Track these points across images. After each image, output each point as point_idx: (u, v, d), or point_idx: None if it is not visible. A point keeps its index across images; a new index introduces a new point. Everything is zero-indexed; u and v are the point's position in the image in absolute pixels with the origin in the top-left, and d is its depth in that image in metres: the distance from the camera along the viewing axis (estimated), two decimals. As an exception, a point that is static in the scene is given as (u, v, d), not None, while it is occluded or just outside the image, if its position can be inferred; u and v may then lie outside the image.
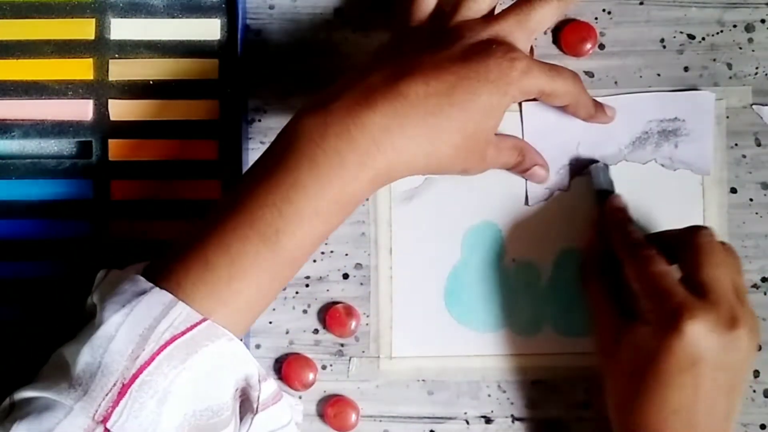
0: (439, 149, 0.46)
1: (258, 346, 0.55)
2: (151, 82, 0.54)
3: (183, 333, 0.42)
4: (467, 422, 0.55)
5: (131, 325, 0.42)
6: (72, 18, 0.54)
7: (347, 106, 0.45)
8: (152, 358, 0.41)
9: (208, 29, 0.54)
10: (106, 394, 0.41)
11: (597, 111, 0.53)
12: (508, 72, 0.47)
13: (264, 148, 0.54)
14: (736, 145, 0.55)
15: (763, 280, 0.55)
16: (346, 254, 0.55)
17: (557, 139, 0.54)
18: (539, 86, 0.48)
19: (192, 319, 0.42)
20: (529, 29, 0.49)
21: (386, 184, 0.47)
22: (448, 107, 0.45)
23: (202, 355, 0.42)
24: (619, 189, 0.54)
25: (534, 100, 0.51)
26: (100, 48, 0.54)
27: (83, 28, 0.54)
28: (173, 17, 0.54)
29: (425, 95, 0.45)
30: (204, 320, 0.43)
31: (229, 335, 0.43)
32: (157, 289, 0.43)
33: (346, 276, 0.55)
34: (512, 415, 0.55)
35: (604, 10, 0.55)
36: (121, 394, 0.41)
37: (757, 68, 0.55)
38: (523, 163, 0.53)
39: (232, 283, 0.43)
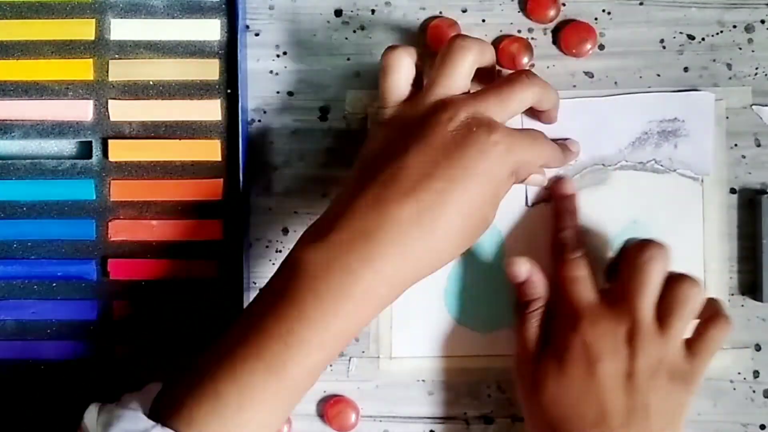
0: (441, 254, 0.46)
1: (258, 347, 0.55)
2: (151, 83, 0.54)
3: None
4: (467, 422, 0.55)
5: None
6: (72, 18, 0.54)
7: (346, 240, 0.44)
8: None
9: (208, 29, 0.54)
10: None
11: (566, 158, 0.53)
12: (493, 159, 0.45)
13: (264, 148, 0.55)
14: (735, 145, 0.55)
15: (763, 280, 0.55)
16: (346, 254, 0.55)
17: (557, 141, 0.54)
18: (524, 159, 0.47)
19: None
20: (510, 110, 0.48)
21: (393, 300, 0.46)
22: (442, 217, 0.44)
23: None
24: (619, 190, 0.55)
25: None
26: (100, 48, 0.54)
27: (83, 29, 0.54)
28: (173, 17, 0.54)
29: (418, 213, 0.44)
30: None
31: None
32: (159, 427, 0.42)
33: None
34: (512, 415, 0.55)
35: (604, 11, 0.55)
36: None
37: (756, 69, 0.55)
38: (519, 178, 0.51)
39: (242, 413, 0.43)
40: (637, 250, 0.50)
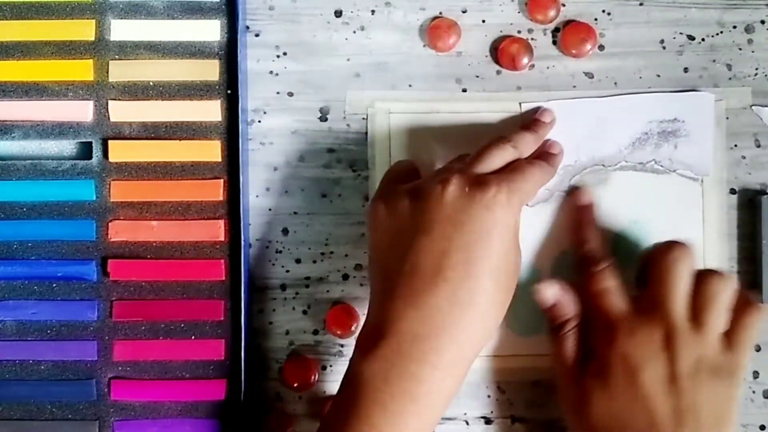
0: (489, 316, 0.46)
1: (258, 347, 0.55)
2: (151, 83, 0.54)
3: None
4: (467, 422, 0.55)
5: None
6: (72, 19, 0.54)
7: (396, 346, 0.45)
8: None
9: (208, 30, 0.54)
10: None
11: (553, 163, 0.53)
12: (497, 208, 0.46)
13: (264, 148, 0.55)
14: (735, 146, 0.55)
15: (763, 280, 0.55)
16: (346, 255, 0.55)
17: (558, 141, 0.54)
18: (522, 197, 0.48)
19: None
20: (491, 166, 0.49)
21: (462, 381, 0.47)
22: (474, 286, 0.45)
23: None
24: (619, 190, 0.55)
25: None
26: (100, 49, 0.54)
27: (83, 29, 0.54)
28: (173, 18, 0.54)
29: (453, 293, 0.45)
30: None
31: None
32: None
33: (346, 277, 0.55)
34: (512, 416, 0.55)
35: (603, 11, 0.55)
36: None
37: (756, 69, 0.55)
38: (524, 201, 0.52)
39: None
40: (661, 253, 0.50)
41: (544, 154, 0.53)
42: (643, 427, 0.48)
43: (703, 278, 0.49)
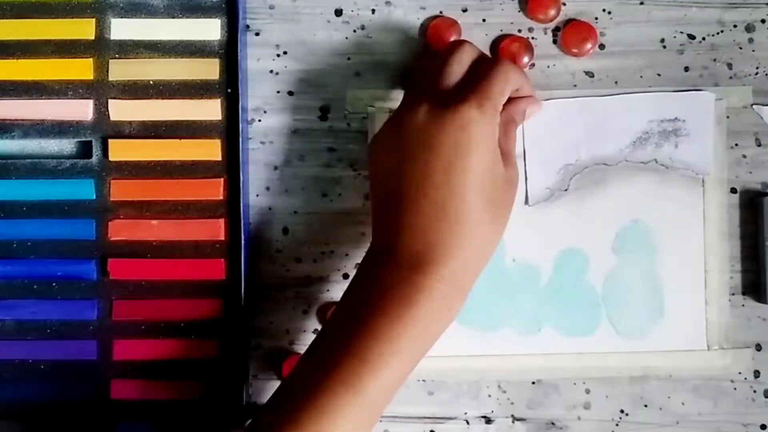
0: (483, 235, 0.47)
1: (258, 346, 0.55)
2: (151, 82, 0.54)
3: None
4: (467, 422, 0.55)
5: None
6: (72, 18, 0.54)
7: (396, 262, 0.46)
8: None
9: (208, 29, 0.54)
10: None
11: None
12: (469, 123, 0.46)
13: (264, 148, 0.55)
14: (736, 145, 0.55)
15: (764, 280, 0.55)
16: (346, 254, 0.55)
17: (559, 140, 0.54)
18: (495, 104, 0.48)
19: None
20: (453, 73, 0.49)
21: (463, 301, 0.47)
22: (460, 202, 0.46)
23: None
24: (619, 190, 0.55)
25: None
26: (101, 48, 0.54)
27: (83, 28, 0.54)
28: (173, 17, 0.54)
29: (439, 209, 0.46)
30: None
31: None
32: None
33: (346, 276, 0.55)
34: (512, 415, 0.55)
35: (604, 10, 0.55)
36: None
37: (757, 68, 0.55)
38: (519, 120, 0.53)
39: None
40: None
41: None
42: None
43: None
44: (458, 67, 0.49)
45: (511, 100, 0.51)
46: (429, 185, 0.46)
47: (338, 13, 0.55)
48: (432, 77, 0.49)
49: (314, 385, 0.45)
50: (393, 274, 0.46)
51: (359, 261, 0.55)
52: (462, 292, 0.47)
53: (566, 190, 0.55)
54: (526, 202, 0.55)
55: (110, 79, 0.54)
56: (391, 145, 0.48)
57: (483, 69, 0.49)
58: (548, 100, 0.55)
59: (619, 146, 0.55)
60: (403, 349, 0.45)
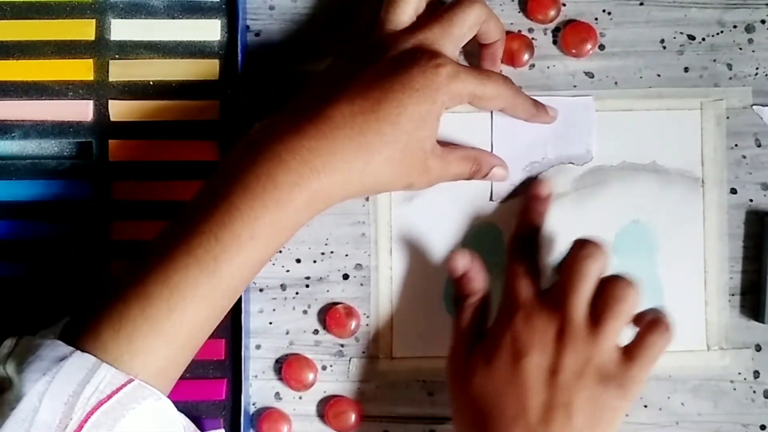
0: (374, 167, 0.47)
1: (258, 347, 0.55)
2: (151, 83, 0.54)
3: (109, 397, 0.41)
4: (467, 422, 0.55)
5: (55, 392, 0.41)
6: (72, 19, 0.54)
7: (277, 134, 0.46)
8: (80, 427, 0.40)
9: (208, 30, 0.54)
10: None
11: (539, 111, 0.53)
12: (434, 78, 0.47)
13: (264, 148, 0.55)
14: (736, 145, 0.55)
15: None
16: (346, 255, 0.55)
17: (526, 137, 0.54)
18: (468, 90, 0.48)
19: (118, 381, 0.42)
20: (454, 36, 0.49)
21: (326, 207, 0.47)
22: (375, 123, 0.46)
23: (130, 419, 0.41)
24: (619, 190, 0.55)
25: None
26: (101, 49, 0.54)
27: (83, 29, 0.54)
28: (173, 18, 0.54)
29: (351, 114, 0.46)
30: (130, 381, 0.42)
31: (156, 394, 0.43)
32: (79, 352, 0.42)
33: (346, 276, 0.55)
34: (512, 416, 0.55)
35: (604, 11, 0.55)
36: None
37: (757, 69, 0.55)
38: (480, 171, 0.52)
39: (173, 315, 0.43)
40: (575, 248, 0.49)
41: (541, 104, 0.54)
42: (514, 413, 0.47)
43: (610, 281, 0.48)
44: (460, 31, 0.49)
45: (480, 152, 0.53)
46: (360, 93, 0.46)
47: (338, 13, 0.55)
48: (434, 31, 0.49)
49: (167, 260, 0.43)
50: (264, 150, 0.45)
51: (359, 261, 0.55)
52: (328, 197, 0.46)
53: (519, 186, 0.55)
54: (491, 198, 0.55)
55: (110, 79, 0.54)
56: (366, 60, 0.49)
57: (490, 72, 0.50)
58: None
59: (587, 147, 0.54)
60: (262, 233, 0.44)
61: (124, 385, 0.42)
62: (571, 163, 0.55)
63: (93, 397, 0.41)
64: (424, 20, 0.50)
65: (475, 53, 0.54)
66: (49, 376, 0.41)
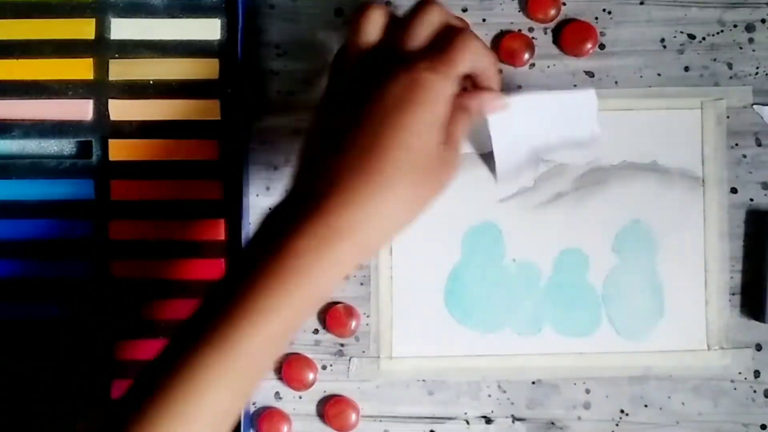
0: (400, 200, 0.43)
1: (258, 346, 0.55)
2: (151, 82, 0.54)
3: None
4: (467, 422, 0.55)
5: None
6: (72, 18, 0.54)
7: (291, 203, 0.43)
8: None
9: (208, 29, 0.54)
10: None
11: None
12: (418, 84, 0.43)
13: (264, 148, 0.55)
14: (736, 145, 0.55)
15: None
16: (346, 254, 0.55)
17: (527, 136, 0.53)
18: (455, 74, 0.45)
19: None
20: (419, 35, 0.46)
21: (360, 261, 0.44)
22: (383, 155, 0.43)
23: None
24: (619, 190, 0.55)
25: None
26: (100, 48, 0.54)
27: (83, 28, 0.54)
28: (173, 17, 0.54)
29: (358, 157, 0.43)
30: None
31: None
32: None
33: (346, 276, 0.55)
34: (512, 415, 0.55)
35: (604, 10, 0.55)
36: None
37: (757, 68, 0.55)
38: (472, 110, 0.48)
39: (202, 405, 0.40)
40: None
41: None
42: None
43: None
44: (424, 29, 0.46)
45: (474, 88, 0.48)
46: (358, 132, 0.43)
47: (338, 13, 0.55)
48: (396, 36, 0.46)
49: (183, 356, 0.41)
50: (283, 225, 0.42)
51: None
52: (358, 252, 0.43)
53: (531, 186, 0.55)
54: (491, 198, 0.55)
55: (110, 79, 0.54)
56: (338, 89, 0.46)
57: (450, 36, 0.46)
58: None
59: (590, 135, 0.53)
60: (286, 307, 0.41)
61: None
62: (575, 153, 0.54)
63: None
64: (391, 31, 0.47)
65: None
66: None
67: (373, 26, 0.46)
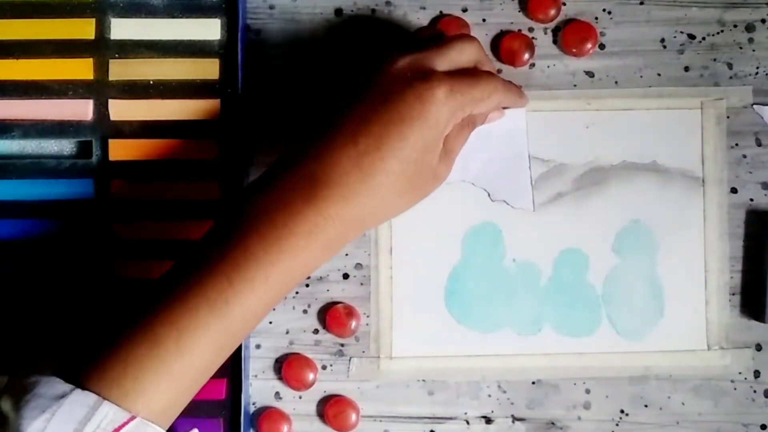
0: (386, 202, 0.47)
1: (258, 346, 0.55)
2: (151, 82, 0.54)
3: None
4: (467, 422, 0.55)
5: (55, 430, 0.40)
6: (72, 18, 0.54)
7: (290, 183, 0.45)
8: None
9: (208, 29, 0.54)
10: None
11: (521, 95, 0.53)
12: (431, 101, 0.46)
13: (264, 148, 0.55)
14: (736, 145, 0.55)
15: (764, 280, 0.55)
16: (346, 254, 0.55)
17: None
18: (467, 100, 0.47)
19: (120, 419, 0.41)
20: (450, 57, 0.48)
21: (346, 244, 0.47)
22: (380, 162, 0.46)
23: None
24: (619, 190, 0.55)
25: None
26: (100, 48, 0.54)
27: (83, 28, 0.54)
28: (173, 17, 0.54)
29: (357, 155, 0.45)
30: (132, 419, 0.41)
31: (158, 431, 0.42)
32: (79, 390, 0.41)
33: (346, 276, 0.55)
34: (512, 415, 0.55)
35: (604, 10, 0.55)
36: None
37: (757, 68, 0.55)
38: (475, 125, 0.52)
39: (181, 358, 0.43)
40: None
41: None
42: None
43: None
44: (457, 56, 0.49)
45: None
46: (362, 130, 0.46)
47: (338, 13, 0.55)
48: (430, 52, 0.48)
49: (177, 301, 0.43)
50: (277, 196, 0.45)
51: (359, 261, 0.55)
52: (343, 239, 0.46)
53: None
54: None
55: (110, 79, 0.54)
56: (365, 87, 0.48)
57: (477, 71, 0.49)
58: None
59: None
60: (276, 278, 0.44)
61: (126, 423, 0.41)
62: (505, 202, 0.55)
63: None
64: (422, 42, 0.49)
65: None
66: (48, 414, 0.40)
67: (461, 56, 0.49)
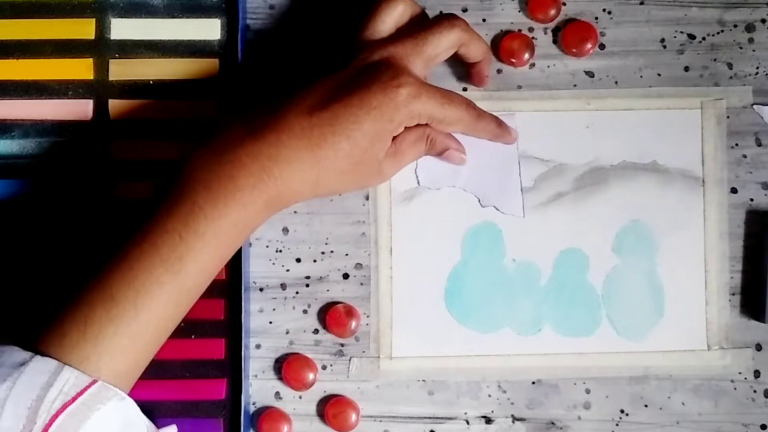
0: (327, 178, 0.48)
1: (258, 346, 0.55)
2: (151, 82, 0.54)
3: (74, 399, 0.41)
4: (467, 422, 0.55)
5: (17, 398, 0.40)
6: (72, 18, 0.54)
7: (238, 137, 0.46)
8: (45, 430, 0.40)
9: (208, 29, 0.54)
10: None
11: (502, 131, 0.54)
12: (393, 97, 0.47)
13: (264, 148, 0.55)
14: (736, 145, 0.55)
15: (764, 280, 0.55)
16: (347, 254, 0.55)
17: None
18: (428, 111, 0.49)
19: (82, 383, 0.41)
20: (426, 54, 0.50)
21: (281, 209, 0.48)
22: (331, 137, 0.47)
23: (95, 420, 0.41)
24: (619, 190, 0.55)
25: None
26: (101, 48, 0.54)
27: (83, 28, 0.54)
28: (173, 17, 0.54)
29: (309, 126, 0.47)
30: (94, 382, 0.42)
31: (120, 394, 0.43)
32: (39, 356, 0.41)
33: (346, 276, 0.55)
34: (512, 415, 0.55)
35: (604, 10, 0.55)
36: None
37: (757, 68, 0.55)
38: (434, 147, 0.53)
39: (139, 315, 0.43)
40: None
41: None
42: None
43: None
44: (432, 50, 0.50)
45: (445, 136, 0.53)
46: (321, 104, 0.47)
47: (338, 13, 0.55)
48: (406, 47, 0.49)
49: (131, 260, 0.44)
50: (226, 153, 0.46)
51: (359, 261, 0.55)
52: (280, 200, 0.47)
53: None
54: (417, 183, 0.55)
55: (110, 78, 0.54)
56: (336, 67, 0.50)
57: (453, 95, 0.51)
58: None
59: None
60: (226, 232, 0.45)
61: (88, 387, 0.42)
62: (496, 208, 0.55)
63: (57, 400, 0.41)
64: (401, 34, 0.50)
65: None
66: (9, 382, 0.41)
67: (391, 18, 0.51)
